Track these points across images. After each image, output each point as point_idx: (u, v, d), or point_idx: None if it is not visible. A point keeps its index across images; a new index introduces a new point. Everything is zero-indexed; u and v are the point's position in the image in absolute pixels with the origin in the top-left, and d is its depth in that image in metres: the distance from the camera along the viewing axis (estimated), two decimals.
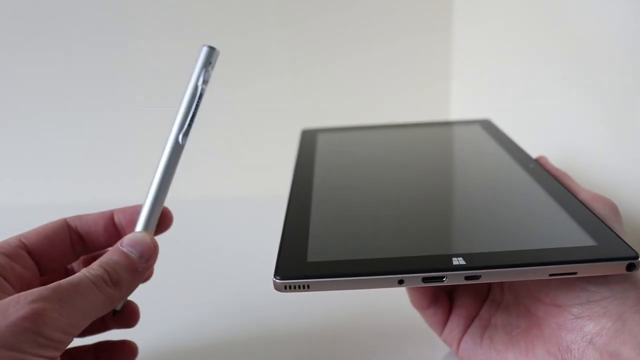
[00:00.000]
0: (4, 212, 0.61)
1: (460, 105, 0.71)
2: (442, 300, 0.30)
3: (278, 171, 0.71)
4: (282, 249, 0.26)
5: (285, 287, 0.24)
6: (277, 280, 0.24)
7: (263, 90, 0.68)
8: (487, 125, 0.44)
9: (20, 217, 0.60)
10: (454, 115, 0.71)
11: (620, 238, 0.24)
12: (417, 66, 0.70)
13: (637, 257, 0.23)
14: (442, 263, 0.23)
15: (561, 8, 0.49)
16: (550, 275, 0.23)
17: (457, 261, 0.23)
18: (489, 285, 0.30)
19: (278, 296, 0.39)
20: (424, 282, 0.23)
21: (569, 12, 0.48)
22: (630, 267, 0.22)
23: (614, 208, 0.27)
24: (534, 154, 0.37)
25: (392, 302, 0.36)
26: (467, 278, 0.23)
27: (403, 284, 0.23)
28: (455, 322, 0.29)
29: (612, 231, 0.25)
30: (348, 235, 0.27)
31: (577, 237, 0.25)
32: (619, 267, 0.22)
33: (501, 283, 0.29)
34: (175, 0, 0.63)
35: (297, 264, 0.24)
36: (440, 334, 0.30)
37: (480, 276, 0.23)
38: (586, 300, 0.23)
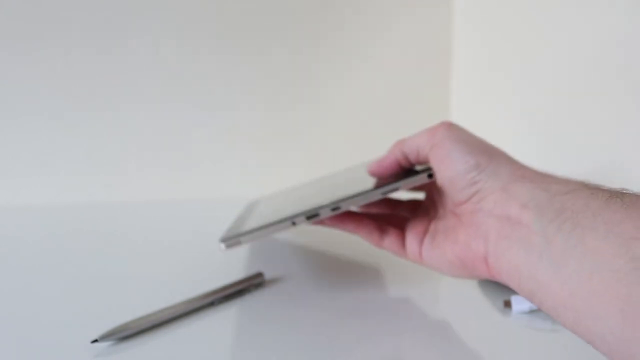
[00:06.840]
0: (4, 212, 0.61)
1: (460, 106, 0.71)
2: (391, 231, 0.38)
3: (276, 171, 0.71)
4: (230, 229, 0.39)
5: (226, 246, 0.35)
6: (220, 243, 0.35)
7: (262, 90, 0.68)
8: None
9: (21, 217, 0.60)
10: (454, 115, 0.71)
11: (428, 167, 0.34)
12: (417, 67, 0.70)
13: (431, 169, 0.33)
14: (318, 206, 0.35)
15: (561, 12, 0.49)
16: (382, 193, 0.34)
17: (328, 204, 0.35)
18: (430, 207, 0.39)
19: (276, 295, 0.39)
20: (308, 220, 0.35)
21: (569, 17, 0.48)
22: (430, 176, 0.34)
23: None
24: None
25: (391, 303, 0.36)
26: (332, 209, 0.34)
27: (295, 225, 0.35)
28: (411, 242, 0.37)
29: (427, 167, 0.34)
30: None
31: (411, 175, 0.35)
32: (424, 178, 0.34)
33: (435, 202, 0.38)
34: (175, 1, 0.63)
35: (233, 233, 0.36)
36: (405, 255, 0.37)
37: (340, 207, 0.34)
38: (475, 190, 0.31)
